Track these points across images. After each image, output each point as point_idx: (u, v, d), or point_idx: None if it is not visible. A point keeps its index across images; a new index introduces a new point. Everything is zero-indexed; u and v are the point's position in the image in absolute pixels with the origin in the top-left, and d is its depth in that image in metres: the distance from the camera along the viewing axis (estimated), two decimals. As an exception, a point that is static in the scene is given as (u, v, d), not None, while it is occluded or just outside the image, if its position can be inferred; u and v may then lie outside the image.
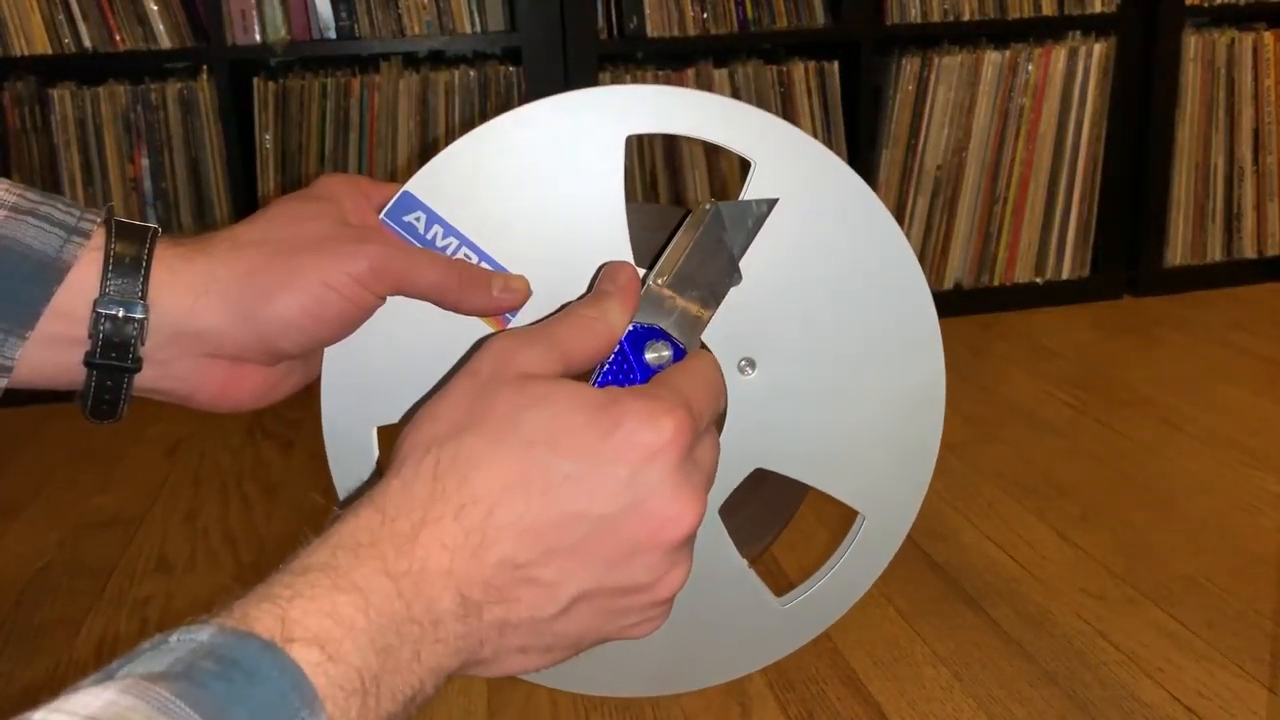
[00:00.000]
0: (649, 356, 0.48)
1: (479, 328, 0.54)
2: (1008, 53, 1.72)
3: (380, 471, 0.51)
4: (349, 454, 0.56)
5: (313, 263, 0.49)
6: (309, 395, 0.56)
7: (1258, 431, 1.25)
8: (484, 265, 0.54)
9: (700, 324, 0.51)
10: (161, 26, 1.56)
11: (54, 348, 0.48)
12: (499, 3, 1.64)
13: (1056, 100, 1.75)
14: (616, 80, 1.63)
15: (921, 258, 1.77)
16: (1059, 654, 0.84)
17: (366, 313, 0.51)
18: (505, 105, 1.63)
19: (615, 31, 1.64)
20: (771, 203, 0.53)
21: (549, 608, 0.37)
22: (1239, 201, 1.86)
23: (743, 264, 0.53)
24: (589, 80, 1.61)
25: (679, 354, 0.48)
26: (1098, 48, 1.75)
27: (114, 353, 0.47)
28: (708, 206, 0.51)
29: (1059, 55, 1.74)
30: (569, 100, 0.53)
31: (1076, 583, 0.94)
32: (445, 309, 0.53)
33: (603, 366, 0.47)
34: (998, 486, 1.14)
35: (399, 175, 1.62)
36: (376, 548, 0.34)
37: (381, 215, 0.54)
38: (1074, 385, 1.44)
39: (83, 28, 1.54)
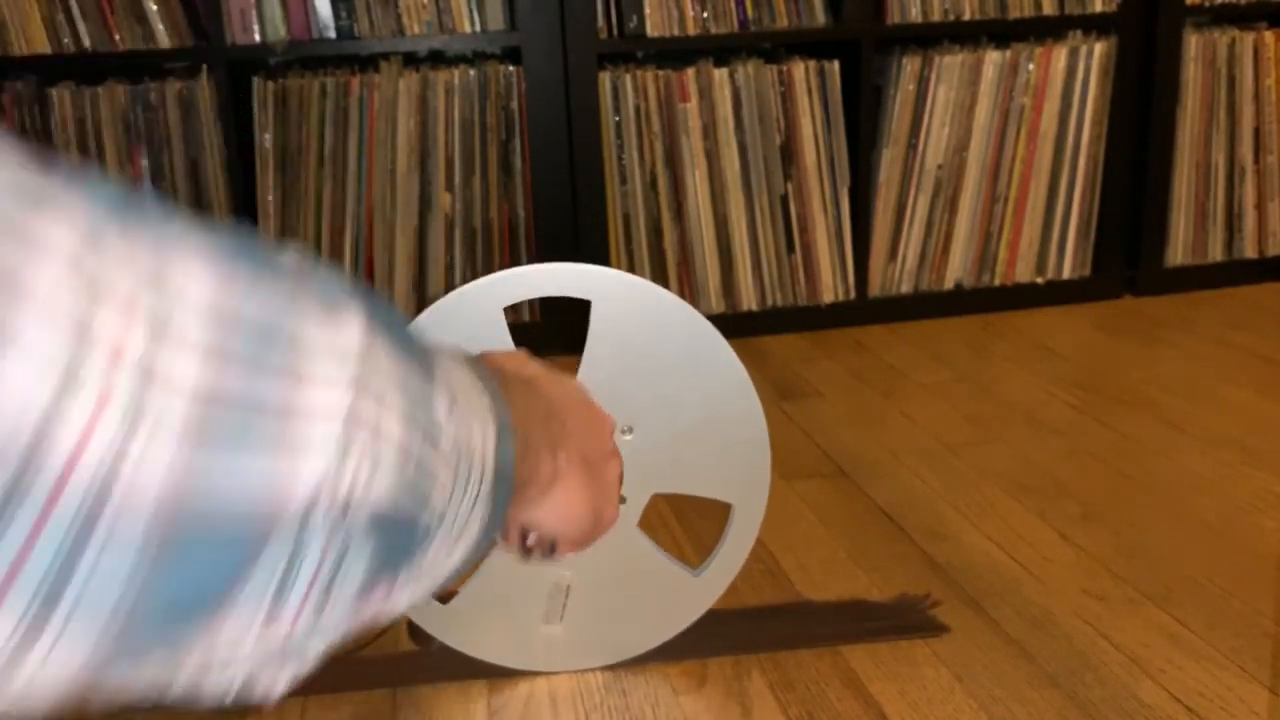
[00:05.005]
0: None
1: None
2: (1008, 52, 1.72)
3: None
4: None
5: None
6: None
7: (1259, 432, 1.25)
8: None
9: None
10: (161, 26, 1.55)
11: None
12: (499, 2, 1.64)
13: (1057, 100, 1.75)
14: (616, 80, 1.63)
15: (922, 257, 1.77)
16: (1060, 655, 0.84)
17: None
18: (505, 105, 1.63)
19: (615, 31, 1.64)
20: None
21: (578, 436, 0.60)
22: (1240, 201, 1.86)
23: (609, 369, 0.75)
24: (589, 79, 1.61)
25: None
26: (1098, 47, 1.75)
27: None
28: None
29: (1060, 55, 1.74)
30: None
31: (1077, 583, 0.94)
32: None
33: None
34: (998, 486, 1.14)
35: (398, 175, 1.62)
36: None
37: None
38: (1075, 385, 1.44)
39: (82, 27, 1.54)
